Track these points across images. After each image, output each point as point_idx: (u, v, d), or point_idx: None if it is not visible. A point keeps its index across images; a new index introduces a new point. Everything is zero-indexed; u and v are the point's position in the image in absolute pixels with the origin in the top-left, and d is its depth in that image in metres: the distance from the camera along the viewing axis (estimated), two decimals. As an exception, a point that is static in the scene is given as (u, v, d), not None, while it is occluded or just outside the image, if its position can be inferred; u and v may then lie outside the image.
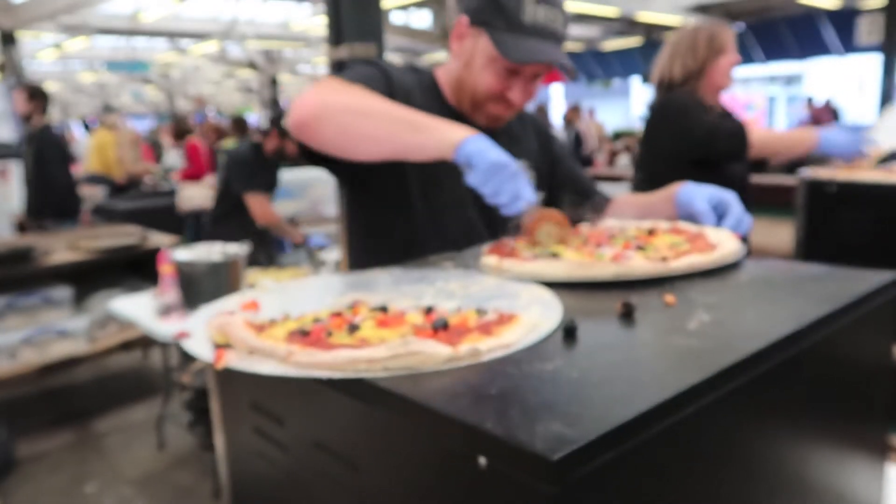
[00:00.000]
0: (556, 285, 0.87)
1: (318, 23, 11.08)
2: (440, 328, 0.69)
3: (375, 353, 0.62)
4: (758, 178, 2.38)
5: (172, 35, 12.75)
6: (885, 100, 8.53)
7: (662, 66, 2.25)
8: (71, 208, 4.79)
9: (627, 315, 0.74)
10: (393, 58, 12.26)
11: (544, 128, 1.53)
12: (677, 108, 2.14)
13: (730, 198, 1.17)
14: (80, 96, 19.39)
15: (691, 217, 1.20)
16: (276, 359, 0.66)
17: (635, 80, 19.74)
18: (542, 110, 9.53)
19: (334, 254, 3.59)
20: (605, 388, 0.56)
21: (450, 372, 0.62)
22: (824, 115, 10.94)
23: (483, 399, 0.56)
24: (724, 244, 0.99)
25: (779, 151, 2.12)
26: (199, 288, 2.38)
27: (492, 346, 0.65)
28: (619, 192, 1.54)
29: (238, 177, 3.54)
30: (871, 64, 11.50)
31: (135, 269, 3.75)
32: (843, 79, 17.73)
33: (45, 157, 4.54)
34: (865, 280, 0.83)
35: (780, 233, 2.87)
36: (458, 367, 0.62)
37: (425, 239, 1.27)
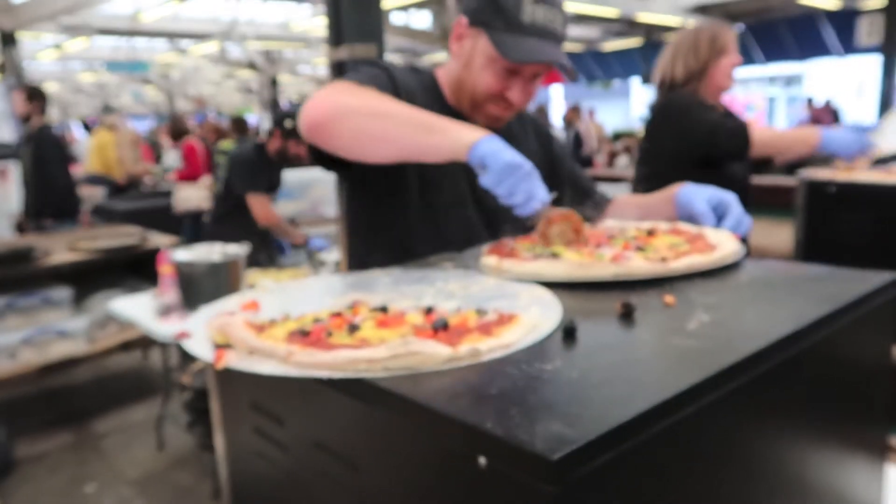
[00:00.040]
0: (555, 286, 0.87)
1: (318, 23, 11.09)
2: (440, 328, 0.69)
3: (375, 354, 0.62)
4: (757, 179, 2.38)
5: (172, 35, 12.76)
6: (885, 100, 8.54)
7: (664, 67, 2.25)
8: (70, 208, 4.79)
9: (627, 315, 0.74)
10: (393, 58, 12.26)
11: (544, 128, 1.53)
12: (679, 108, 2.14)
13: (729, 199, 1.18)
14: (80, 97, 19.39)
15: (691, 218, 1.20)
16: (276, 359, 0.66)
17: (635, 81, 19.76)
18: (542, 111, 9.53)
19: (334, 254, 3.59)
20: (605, 388, 0.56)
21: (450, 372, 0.62)
22: (824, 115, 10.94)
23: (483, 399, 0.56)
24: (723, 245, 0.99)
25: (781, 150, 2.11)
26: (198, 288, 2.38)
27: (492, 347, 0.65)
28: (618, 193, 1.54)
29: (240, 177, 3.54)
30: (870, 65, 11.52)
31: (134, 269, 3.75)
32: (843, 80, 17.74)
33: (45, 157, 4.55)
34: (865, 280, 0.83)
35: (780, 233, 2.87)
36: (458, 367, 0.63)
37: (424, 239, 1.28)
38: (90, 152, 7.54)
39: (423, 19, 11.14)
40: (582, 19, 12.36)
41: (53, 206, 4.66)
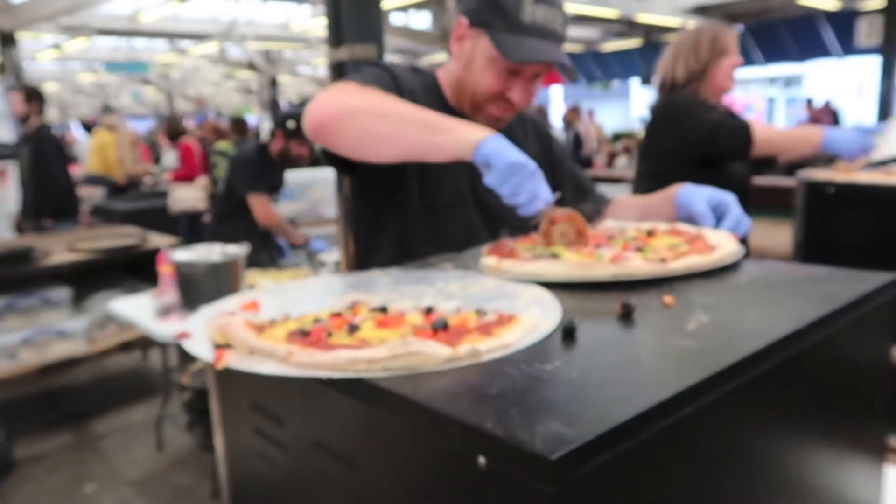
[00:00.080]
0: (555, 286, 0.87)
1: (317, 24, 11.08)
2: (440, 329, 0.69)
3: (375, 354, 0.62)
4: (757, 180, 2.38)
5: (172, 36, 12.76)
6: (885, 101, 8.54)
7: (665, 68, 2.25)
8: (70, 209, 4.79)
9: (626, 316, 0.75)
10: (392, 59, 12.26)
11: (544, 129, 1.53)
12: (680, 108, 2.14)
13: (729, 199, 1.18)
14: (79, 97, 19.39)
15: (690, 218, 1.20)
16: (276, 359, 0.66)
17: (635, 82, 19.77)
18: (542, 112, 9.53)
19: (334, 255, 3.59)
20: (604, 388, 0.56)
21: (449, 372, 0.62)
22: (823, 116, 10.96)
23: (483, 399, 0.56)
24: (722, 245, 0.99)
25: (784, 149, 2.10)
26: (198, 289, 2.38)
27: (491, 347, 0.65)
28: (618, 194, 1.54)
29: (241, 177, 3.54)
30: (870, 66, 11.53)
31: (134, 269, 3.74)
32: (843, 81, 17.76)
33: (44, 157, 4.54)
34: (864, 281, 0.84)
35: (780, 234, 2.87)
36: (457, 367, 0.63)
37: (425, 239, 1.28)
38: (90, 153, 7.54)
39: (422, 20, 11.15)
40: (581, 20, 12.36)
41: (53, 207, 4.65)
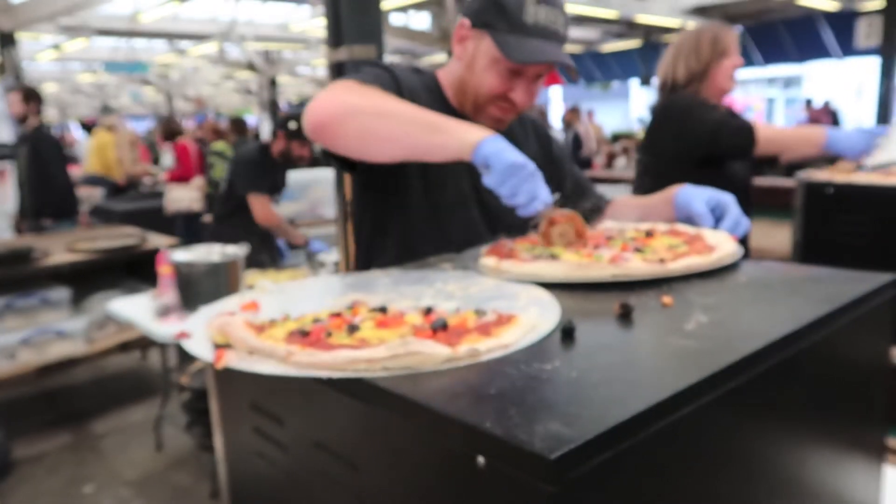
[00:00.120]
0: (554, 286, 0.88)
1: (317, 24, 11.08)
2: (439, 329, 0.69)
3: (375, 354, 0.62)
4: (756, 180, 2.38)
5: (171, 36, 12.75)
6: (884, 102, 8.54)
7: (666, 68, 2.24)
8: (69, 209, 4.79)
9: (625, 316, 0.75)
10: (392, 60, 12.26)
11: (544, 130, 1.53)
12: (681, 108, 2.14)
13: (728, 200, 1.18)
14: (78, 97, 19.38)
15: (689, 219, 1.20)
16: (276, 359, 0.66)
17: (634, 82, 19.78)
18: (542, 112, 9.54)
19: (333, 255, 3.59)
20: (603, 388, 0.57)
21: (449, 372, 0.62)
22: (823, 117, 10.97)
23: (482, 399, 0.56)
24: (721, 246, 0.99)
25: (787, 148, 2.09)
26: (197, 289, 2.38)
27: (490, 347, 0.65)
28: (617, 194, 1.54)
29: (242, 177, 3.54)
30: (869, 66, 11.54)
31: (133, 270, 3.75)
32: (842, 81, 17.77)
33: (43, 157, 4.54)
34: (863, 282, 0.84)
35: (779, 235, 2.87)
36: (457, 367, 0.63)
37: (427, 238, 1.28)
38: (89, 153, 7.53)
39: (422, 20, 11.16)
40: (581, 20, 12.37)
41: (52, 207, 4.65)
